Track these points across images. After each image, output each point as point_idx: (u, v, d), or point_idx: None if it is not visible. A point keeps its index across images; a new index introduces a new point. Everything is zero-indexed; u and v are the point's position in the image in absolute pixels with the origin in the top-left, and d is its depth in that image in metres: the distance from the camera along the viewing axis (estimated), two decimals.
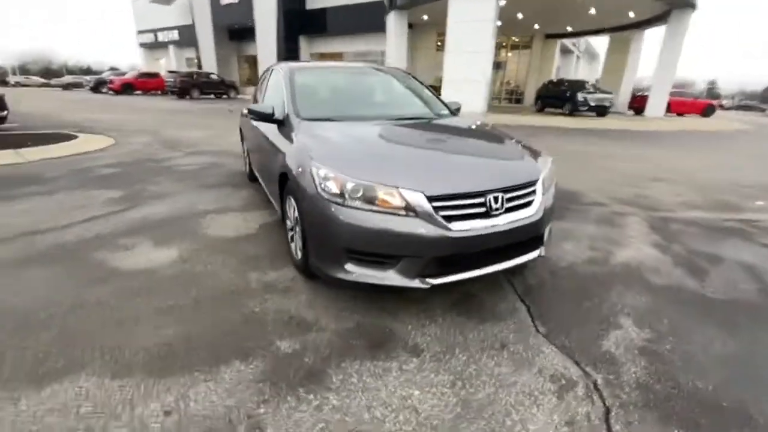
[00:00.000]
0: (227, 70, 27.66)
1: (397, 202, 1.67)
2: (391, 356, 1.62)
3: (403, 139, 2.36)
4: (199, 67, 27.71)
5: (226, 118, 11.33)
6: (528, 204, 1.95)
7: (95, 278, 2.16)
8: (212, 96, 22.29)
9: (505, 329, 1.81)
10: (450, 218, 1.71)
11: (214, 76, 22.84)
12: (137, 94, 23.27)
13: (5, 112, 7.43)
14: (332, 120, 2.47)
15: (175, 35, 31.14)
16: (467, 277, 1.83)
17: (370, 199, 1.69)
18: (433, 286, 1.76)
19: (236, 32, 27.35)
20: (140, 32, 35.07)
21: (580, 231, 3.07)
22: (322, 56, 25.20)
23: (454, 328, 1.81)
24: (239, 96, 23.99)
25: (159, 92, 23.90)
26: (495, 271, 1.88)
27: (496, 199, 1.80)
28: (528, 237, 1.93)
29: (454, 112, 3.01)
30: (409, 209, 1.67)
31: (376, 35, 20.33)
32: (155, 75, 24.16)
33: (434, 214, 1.68)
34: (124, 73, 25.71)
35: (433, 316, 1.88)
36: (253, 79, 28.13)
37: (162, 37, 32.66)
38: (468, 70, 13.58)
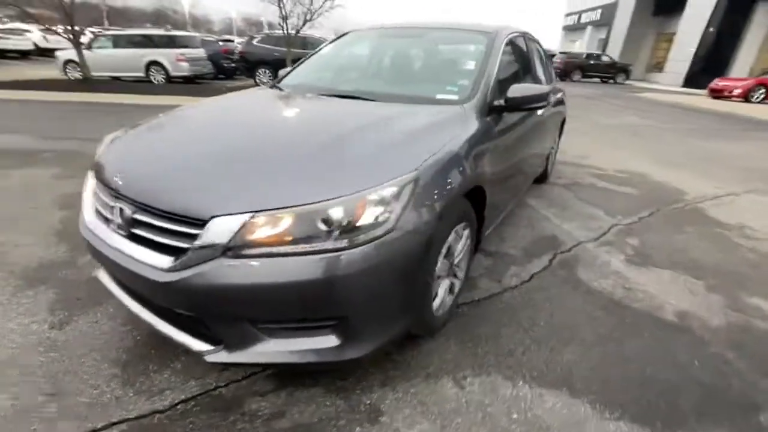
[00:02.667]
0: (634, 52, 24.76)
1: None
2: None
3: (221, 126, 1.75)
4: (604, 48, 26.39)
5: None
6: (167, 248, 1.19)
7: None
8: (597, 79, 21.21)
9: None
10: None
11: (605, 58, 21.39)
12: None
13: None
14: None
15: (596, 15, 30.59)
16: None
17: None
18: None
19: (663, 5, 23.35)
20: (567, 15, 36.83)
21: None
22: None
23: None
24: (627, 82, 21.36)
25: None
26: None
27: (121, 211, 1.28)
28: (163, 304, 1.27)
29: (448, 101, 1.92)
30: None
31: None
32: (551, 56, 25.44)
33: None
34: None
35: None
36: (662, 63, 23.75)
37: (584, 18, 32.93)
38: None
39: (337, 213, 1.15)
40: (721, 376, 1.61)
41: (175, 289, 1.15)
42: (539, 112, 2.67)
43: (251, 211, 1.13)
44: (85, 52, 10.38)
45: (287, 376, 1.51)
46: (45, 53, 17.34)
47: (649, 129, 7.72)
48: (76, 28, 9.32)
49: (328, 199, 1.15)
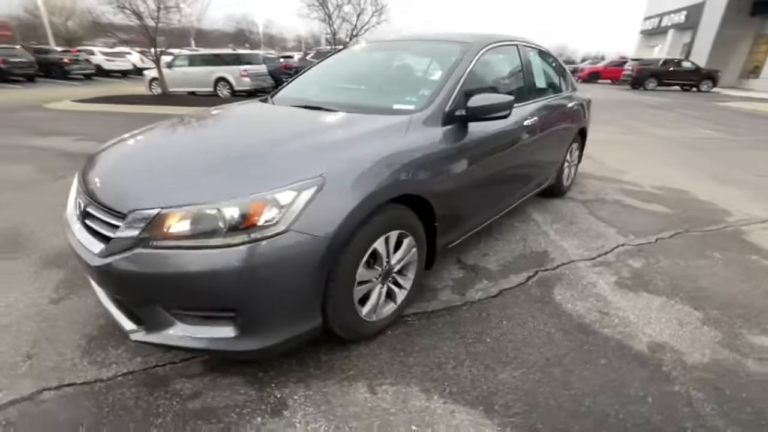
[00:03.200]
0: (724, 56, 22.07)
1: None
2: None
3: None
4: (688, 53, 23.88)
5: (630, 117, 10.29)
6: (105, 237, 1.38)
7: None
8: (677, 87, 19.22)
9: None
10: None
11: (687, 64, 19.30)
12: (601, 83, 24.06)
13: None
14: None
15: (680, 18, 27.77)
16: None
17: None
18: None
19: (765, 3, 20.57)
20: (646, 18, 33.88)
21: None
22: None
23: None
24: (714, 89, 19.06)
25: (613, 81, 23.46)
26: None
27: (80, 204, 1.55)
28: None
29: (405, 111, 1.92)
30: None
31: None
32: (622, 63, 23.60)
33: None
34: (599, 61, 26.97)
35: None
36: (761, 68, 20.88)
37: (666, 21, 30.04)
38: None
39: (232, 212, 1.26)
40: (674, 418, 1.43)
41: (101, 272, 1.34)
42: (527, 122, 2.56)
43: (159, 207, 1.28)
44: (166, 70, 11.87)
45: (218, 363, 1.64)
46: (141, 72, 20.01)
47: (714, 142, 6.85)
48: (158, 49, 10.70)
49: (226, 200, 1.26)
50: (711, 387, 1.57)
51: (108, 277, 1.35)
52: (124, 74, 21.26)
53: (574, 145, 3.68)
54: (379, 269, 1.70)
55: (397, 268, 1.80)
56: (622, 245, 2.80)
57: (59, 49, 20.22)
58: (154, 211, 1.28)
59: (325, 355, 1.69)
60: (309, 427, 1.36)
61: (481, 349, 1.75)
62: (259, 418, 1.39)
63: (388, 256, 1.71)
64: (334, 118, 1.93)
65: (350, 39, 10.27)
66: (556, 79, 3.33)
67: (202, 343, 1.35)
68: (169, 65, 12.45)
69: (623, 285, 2.29)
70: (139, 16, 9.73)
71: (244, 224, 1.26)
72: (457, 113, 1.99)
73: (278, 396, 1.49)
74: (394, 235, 1.69)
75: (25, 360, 1.64)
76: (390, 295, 1.84)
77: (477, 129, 2.12)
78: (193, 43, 29.11)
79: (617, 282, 2.32)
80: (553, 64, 3.34)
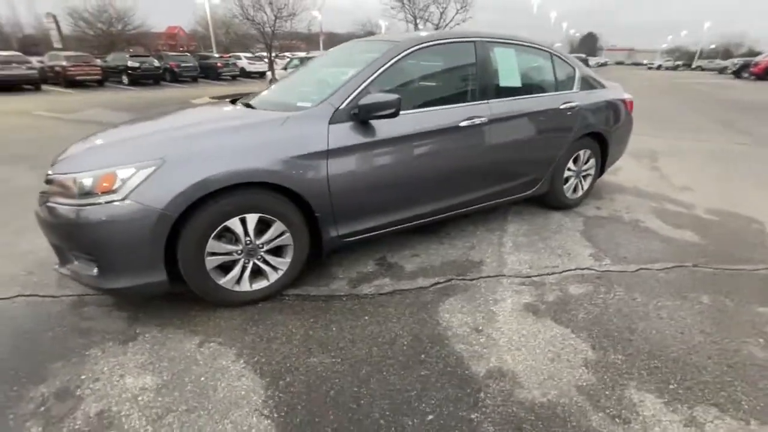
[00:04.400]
0: None
1: None
2: None
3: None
4: None
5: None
6: None
7: None
8: None
9: None
10: None
11: None
12: None
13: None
14: None
15: None
16: None
17: None
18: None
19: None
20: None
21: None
22: None
23: None
24: None
25: None
26: None
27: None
28: None
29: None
30: None
31: None
32: None
33: None
34: None
35: None
36: None
37: None
38: None
39: (87, 181, 1.67)
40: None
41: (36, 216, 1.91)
42: (464, 123, 2.42)
43: (53, 174, 1.77)
44: (281, 71, 13.72)
45: (127, 301, 2.10)
46: (248, 75, 23.05)
47: None
48: (273, 54, 12.46)
49: (83, 171, 1.68)
50: (517, 423, 1.39)
51: (37, 220, 1.91)
52: (261, 75, 25.04)
53: (583, 153, 3.22)
54: (240, 246, 1.93)
55: (266, 248, 2.01)
56: (582, 269, 2.43)
57: (216, 55, 24.83)
58: (50, 177, 1.78)
59: (196, 311, 2.01)
60: (134, 357, 1.70)
61: (319, 335, 1.85)
62: (110, 343, 1.79)
63: (248, 236, 1.93)
64: (232, 115, 2.24)
65: None
66: (542, 78, 2.97)
67: (85, 279, 1.81)
68: (284, 67, 14.34)
69: (531, 308, 2.04)
70: (260, 25, 11.49)
71: (95, 191, 1.65)
72: (353, 112, 2.06)
73: (137, 332, 1.87)
74: (252, 217, 1.90)
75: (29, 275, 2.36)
76: (262, 273, 2.05)
77: (386, 128, 2.15)
78: (321, 47, 32.41)
79: (528, 304, 2.07)
80: (542, 62, 2.98)
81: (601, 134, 3.27)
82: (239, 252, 1.95)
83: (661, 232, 2.95)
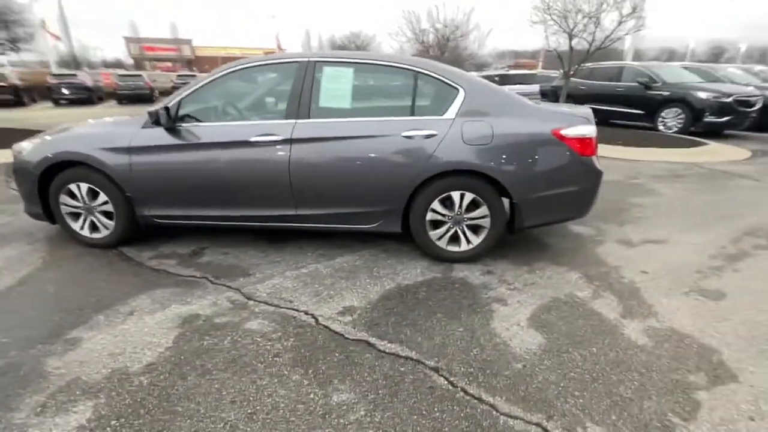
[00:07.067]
0: None
1: None
2: None
3: None
4: None
5: None
6: None
7: None
8: None
9: None
10: None
11: None
12: None
13: None
14: None
15: None
16: None
17: None
18: None
19: None
20: None
21: None
22: None
23: None
24: None
25: None
26: None
27: None
28: None
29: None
30: None
31: None
32: None
33: None
34: None
35: None
36: None
37: None
38: None
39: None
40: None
41: None
42: (255, 138, 2.50)
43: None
44: None
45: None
46: None
47: None
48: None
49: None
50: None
51: None
52: None
53: (459, 195, 2.50)
54: (81, 205, 2.82)
55: (99, 209, 2.81)
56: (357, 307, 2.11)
57: None
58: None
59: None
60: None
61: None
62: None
63: (83, 200, 2.79)
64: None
65: (582, 61, 8.45)
66: (391, 101, 2.51)
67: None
68: None
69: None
70: (426, 46, 12.51)
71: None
72: (154, 120, 2.61)
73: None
74: (76, 186, 2.73)
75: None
76: (96, 228, 2.89)
77: (189, 135, 2.59)
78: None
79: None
80: (399, 83, 2.53)
81: (489, 176, 2.44)
82: (79, 208, 2.86)
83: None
